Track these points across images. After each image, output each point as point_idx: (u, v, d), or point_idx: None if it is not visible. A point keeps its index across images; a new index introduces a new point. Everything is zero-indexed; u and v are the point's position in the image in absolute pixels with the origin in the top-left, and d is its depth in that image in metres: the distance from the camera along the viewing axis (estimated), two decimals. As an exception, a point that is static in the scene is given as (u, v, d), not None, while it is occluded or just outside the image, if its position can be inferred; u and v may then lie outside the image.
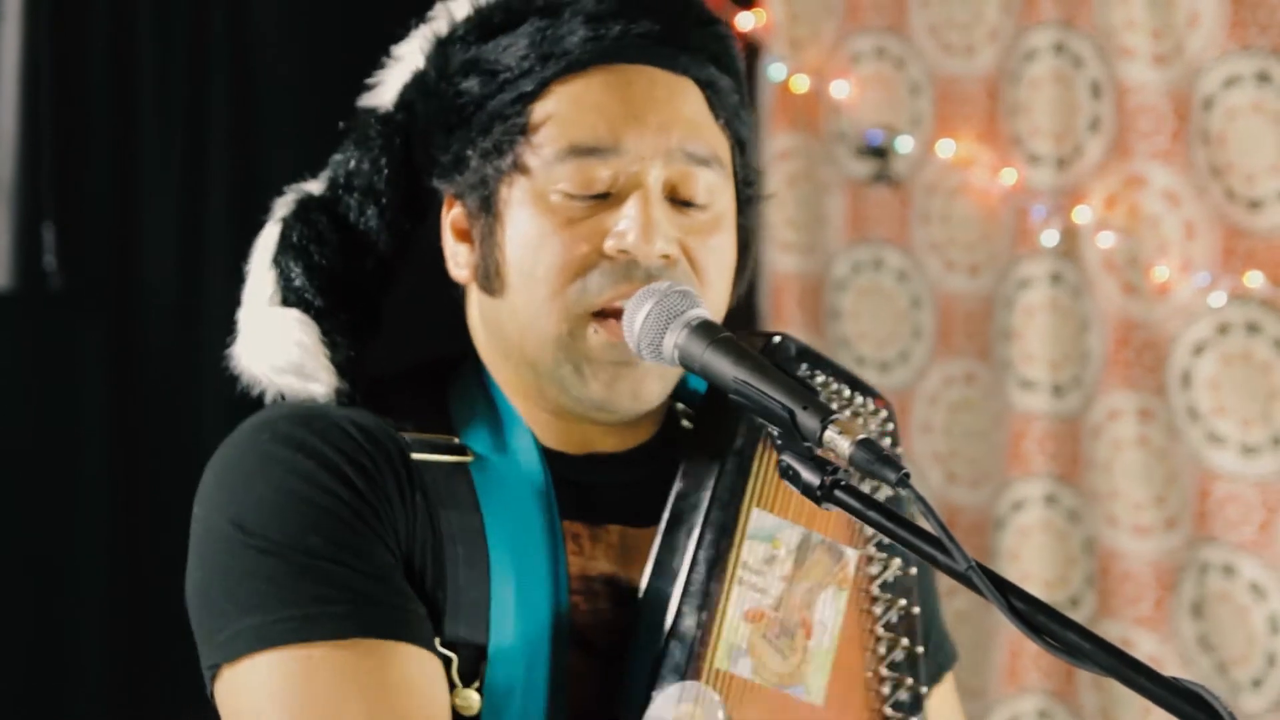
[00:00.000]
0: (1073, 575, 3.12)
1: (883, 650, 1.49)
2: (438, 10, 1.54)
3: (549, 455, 1.49)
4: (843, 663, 1.47)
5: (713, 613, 1.42)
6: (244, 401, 1.52)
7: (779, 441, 1.27)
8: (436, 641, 1.39)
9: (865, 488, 1.42)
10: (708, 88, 1.48)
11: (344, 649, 1.35)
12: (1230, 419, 2.91)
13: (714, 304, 1.46)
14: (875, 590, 1.50)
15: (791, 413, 1.26)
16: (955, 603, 3.17)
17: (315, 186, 1.56)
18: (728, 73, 1.51)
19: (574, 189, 1.44)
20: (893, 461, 1.20)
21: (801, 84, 3.33)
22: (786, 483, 1.26)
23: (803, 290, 3.42)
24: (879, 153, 3.30)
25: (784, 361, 1.49)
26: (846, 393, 1.53)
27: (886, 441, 1.53)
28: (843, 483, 1.25)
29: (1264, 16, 2.86)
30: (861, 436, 1.22)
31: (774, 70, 3.34)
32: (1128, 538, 3.03)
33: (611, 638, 1.44)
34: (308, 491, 1.39)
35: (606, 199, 1.44)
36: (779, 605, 1.44)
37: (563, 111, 1.45)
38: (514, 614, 1.41)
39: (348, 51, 1.83)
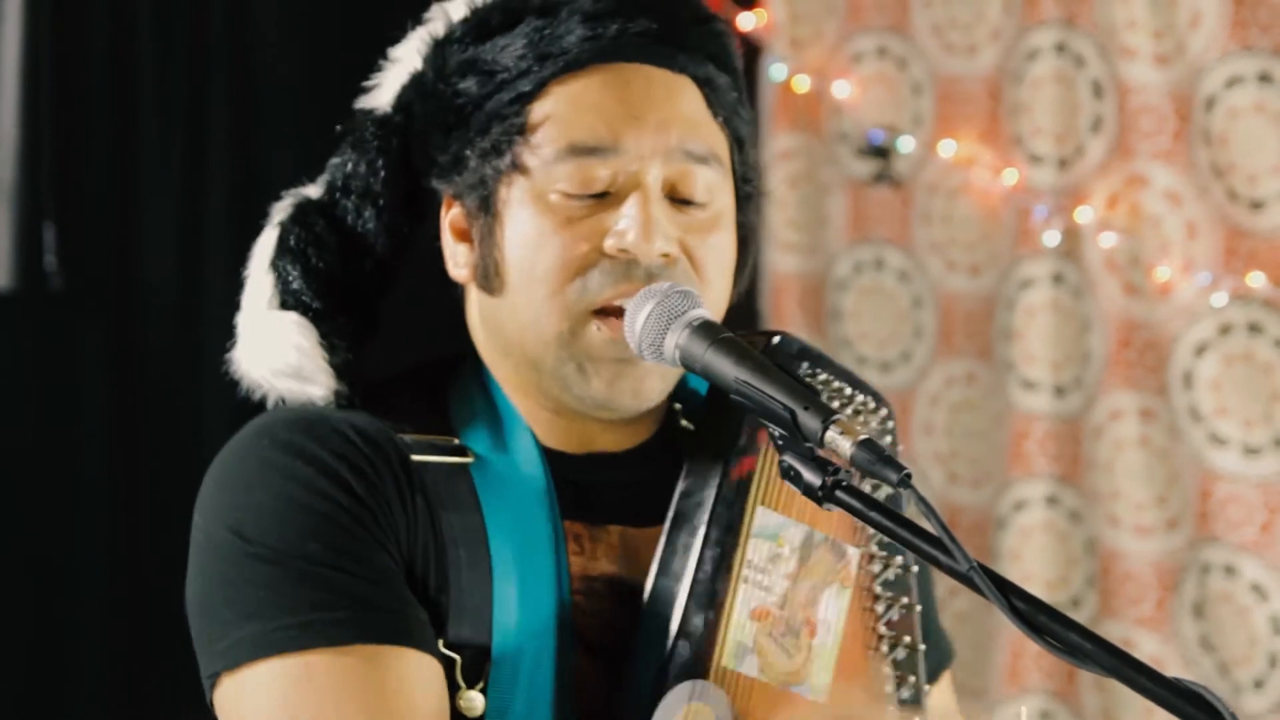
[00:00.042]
0: (1074, 576, 3.12)
1: (885, 648, 1.49)
2: (434, 11, 1.53)
3: (549, 455, 1.49)
4: (846, 661, 1.47)
5: (719, 612, 1.42)
6: (244, 402, 1.52)
7: (780, 442, 1.27)
8: (440, 643, 1.39)
9: (866, 487, 1.42)
10: (706, 86, 1.48)
11: (344, 655, 1.34)
12: (1232, 419, 2.91)
13: (714, 302, 1.46)
14: (877, 588, 1.50)
15: (793, 413, 1.25)
16: (956, 603, 3.17)
17: (313, 190, 1.55)
18: (725, 70, 1.50)
19: (573, 188, 1.44)
20: (894, 462, 1.20)
21: (803, 84, 3.33)
22: (788, 483, 1.26)
23: (804, 290, 3.42)
24: (880, 153, 3.29)
25: (785, 361, 1.49)
26: (848, 391, 1.52)
27: (887, 440, 1.53)
28: (844, 483, 1.24)
29: (1265, 17, 2.86)
30: (863, 437, 1.22)
31: (775, 70, 3.34)
32: (1129, 538, 3.03)
33: (613, 637, 1.44)
34: (307, 498, 1.39)
35: (606, 198, 1.44)
36: (784, 604, 1.44)
37: (561, 111, 1.45)
38: (517, 614, 1.41)
39: (348, 52, 1.83)
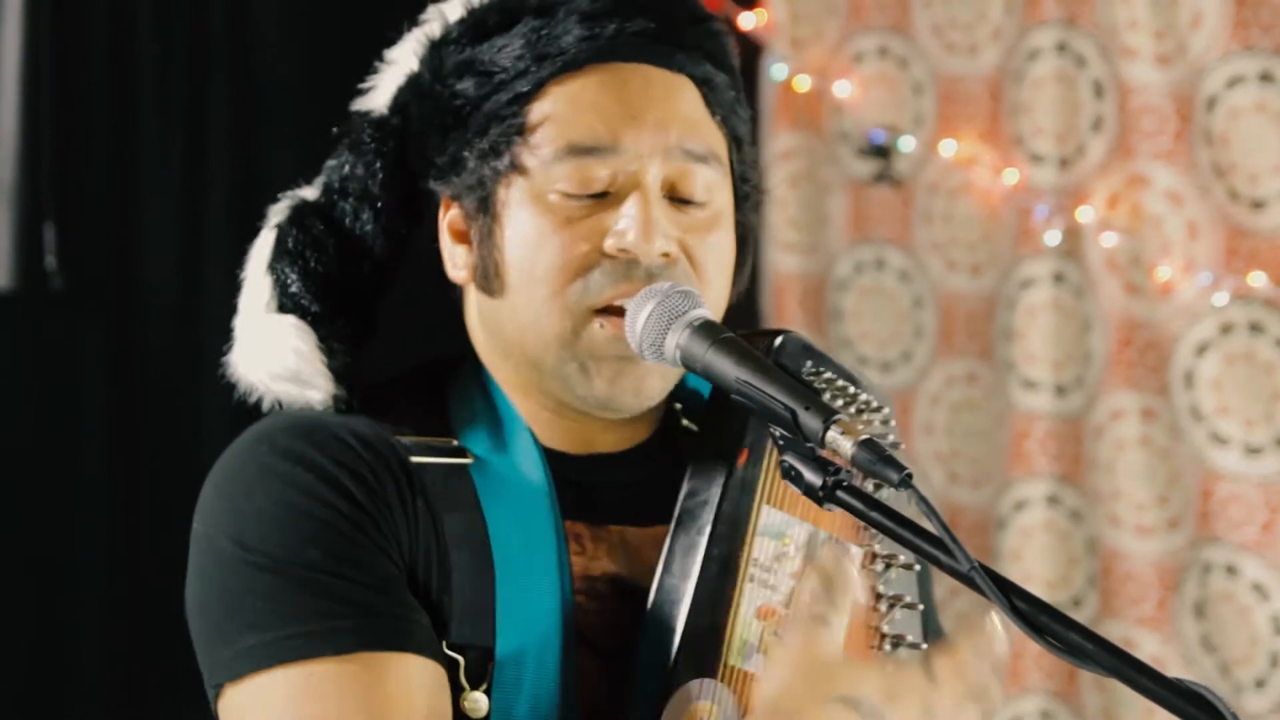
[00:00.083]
0: (1075, 575, 3.12)
1: (887, 647, 1.49)
2: (431, 12, 1.53)
3: (549, 455, 1.49)
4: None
5: (726, 610, 1.41)
6: (244, 403, 1.51)
7: (781, 442, 1.27)
8: (443, 645, 1.39)
9: (868, 487, 1.41)
10: (704, 85, 1.48)
11: (347, 664, 1.34)
12: (1233, 419, 2.91)
13: (714, 301, 1.46)
14: (880, 588, 1.49)
15: (794, 413, 1.25)
16: (956, 603, 3.17)
17: (310, 192, 1.55)
18: (723, 69, 1.50)
19: (572, 189, 1.43)
20: (895, 462, 1.20)
21: (804, 83, 3.33)
22: (789, 483, 1.26)
23: (805, 290, 3.41)
24: (881, 152, 3.29)
25: (790, 360, 1.49)
26: (852, 389, 1.52)
27: (889, 439, 1.53)
28: (845, 483, 1.24)
29: (1267, 17, 2.86)
30: (864, 437, 1.22)
31: (776, 70, 3.33)
32: (1130, 538, 3.03)
33: (617, 637, 1.44)
34: (307, 505, 1.38)
35: (605, 198, 1.44)
36: (789, 602, 1.44)
37: (560, 111, 1.44)
38: (520, 615, 1.41)
39: (348, 52, 1.82)
